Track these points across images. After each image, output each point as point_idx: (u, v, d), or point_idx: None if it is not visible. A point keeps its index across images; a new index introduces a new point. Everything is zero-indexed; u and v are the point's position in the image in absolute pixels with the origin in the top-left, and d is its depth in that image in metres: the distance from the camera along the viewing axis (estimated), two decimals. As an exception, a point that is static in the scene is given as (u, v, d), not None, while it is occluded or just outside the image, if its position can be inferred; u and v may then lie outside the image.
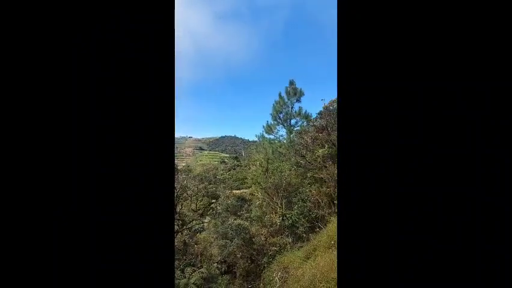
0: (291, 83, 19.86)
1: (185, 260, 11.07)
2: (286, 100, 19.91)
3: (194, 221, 12.40)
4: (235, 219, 11.77)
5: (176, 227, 11.02)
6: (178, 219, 11.22)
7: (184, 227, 11.40)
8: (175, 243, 10.43)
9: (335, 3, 1.03)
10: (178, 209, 11.27)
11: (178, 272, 9.79)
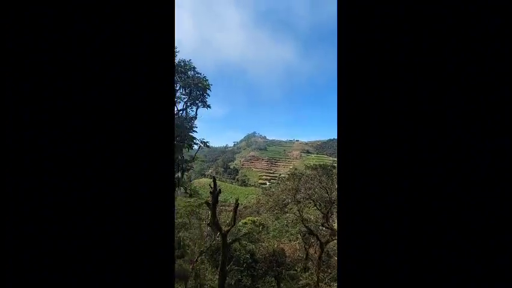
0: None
1: (330, 273, 10.24)
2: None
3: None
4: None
5: (327, 237, 10.18)
6: (327, 228, 10.24)
7: (334, 237, 10.26)
8: (321, 255, 9.90)
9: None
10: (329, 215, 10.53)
11: (324, 287, 9.41)
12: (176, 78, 9.91)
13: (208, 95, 10.24)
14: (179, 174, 9.88)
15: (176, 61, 9.63)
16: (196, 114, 10.24)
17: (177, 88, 10.04)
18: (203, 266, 10.91)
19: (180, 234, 11.50)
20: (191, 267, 10.26)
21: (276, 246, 11.58)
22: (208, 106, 10.37)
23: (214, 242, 10.92)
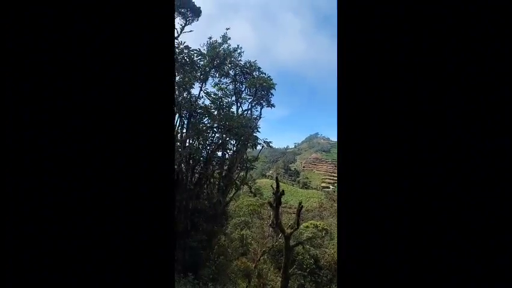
0: None
1: None
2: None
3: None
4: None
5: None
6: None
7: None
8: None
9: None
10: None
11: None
12: (242, 79, 10.06)
13: (272, 94, 10.34)
14: (243, 173, 9.96)
15: (242, 63, 9.85)
16: (261, 114, 10.37)
17: (243, 89, 10.21)
18: (265, 266, 10.83)
19: (243, 232, 11.51)
20: (254, 265, 10.21)
21: (342, 254, 11.33)
22: (272, 105, 10.44)
23: (276, 243, 10.83)
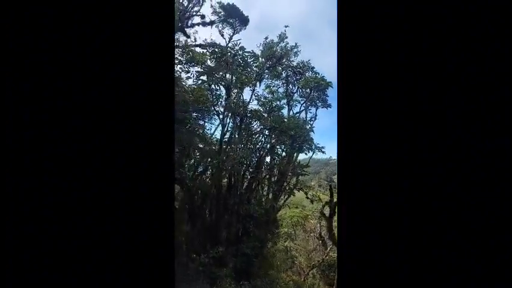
0: None
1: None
2: None
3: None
4: None
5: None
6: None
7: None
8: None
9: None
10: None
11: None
12: (294, 79, 9.71)
13: (327, 95, 9.65)
14: (295, 179, 9.49)
15: (294, 63, 9.47)
16: (316, 115, 9.77)
17: (294, 91, 9.81)
18: (315, 281, 10.39)
19: (286, 243, 11.10)
20: (302, 279, 9.79)
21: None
22: (329, 106, 9.72)
23: (326, 257, 10.37)
